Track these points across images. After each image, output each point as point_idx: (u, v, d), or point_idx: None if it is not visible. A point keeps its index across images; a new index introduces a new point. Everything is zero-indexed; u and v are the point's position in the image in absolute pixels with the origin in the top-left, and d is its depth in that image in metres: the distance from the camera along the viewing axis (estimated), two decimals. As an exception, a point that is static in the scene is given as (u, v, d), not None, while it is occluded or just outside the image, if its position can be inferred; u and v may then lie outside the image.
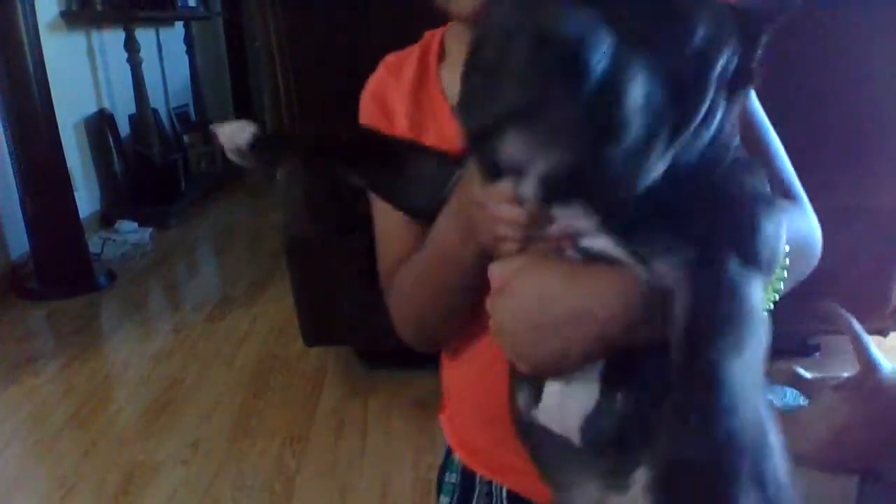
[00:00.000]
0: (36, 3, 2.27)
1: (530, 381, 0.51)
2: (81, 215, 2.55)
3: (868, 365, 1.37)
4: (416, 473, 1.41)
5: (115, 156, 3.29)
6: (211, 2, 4.85)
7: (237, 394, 1.74)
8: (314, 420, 1.61)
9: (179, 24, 4.21)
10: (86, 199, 3.02)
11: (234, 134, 0.58)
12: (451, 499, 0.77)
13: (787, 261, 0.49)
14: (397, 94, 0.68)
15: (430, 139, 0.64)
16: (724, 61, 0.41)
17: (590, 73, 0.34)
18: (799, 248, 0.52)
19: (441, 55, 0.70)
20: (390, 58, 0.73)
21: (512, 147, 0.38)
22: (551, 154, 0.37)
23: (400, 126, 0.67)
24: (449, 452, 0.78)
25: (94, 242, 2.76)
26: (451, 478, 0.78)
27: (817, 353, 1.75)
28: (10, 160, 2.31)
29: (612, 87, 0.35)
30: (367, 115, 0.70)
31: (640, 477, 0.46)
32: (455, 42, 0.68)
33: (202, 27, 4.62)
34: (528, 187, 0.40)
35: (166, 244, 3.02)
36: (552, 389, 0.49)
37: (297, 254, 1.62)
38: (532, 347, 0.47)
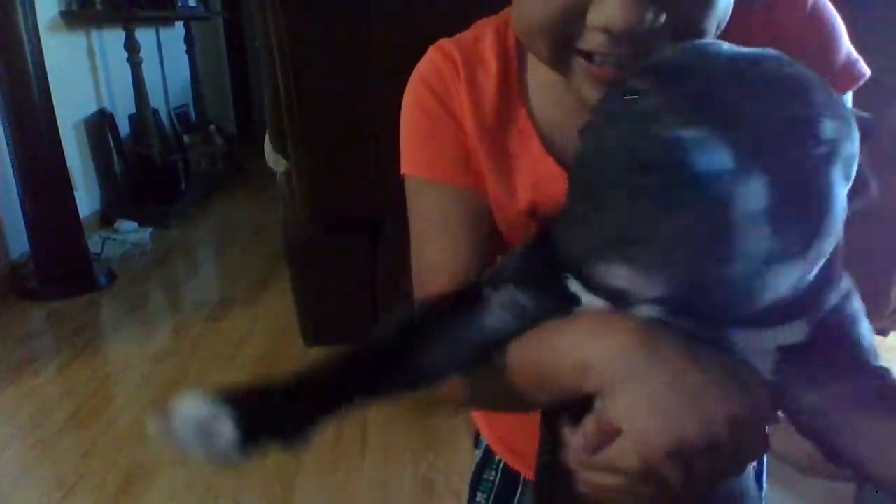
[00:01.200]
0: (36, 3, 2.26)
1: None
2: (81, 215, 2.55)
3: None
4: (416, 473, 1.41)
5: (115, 156, 3.29)
6: (211, 2, 4.85)
7: (237, 394, 1.74)
8: (314, 420, 1.61)
9: (179, 24, 4.20)
10: (86, 199, 3.02)
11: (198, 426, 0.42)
12: (489, 496, 0.75)
13: None
14: (467, 104, 0.58)
15: (520, 167, 0.57)
16: (848, 163, 0.39)
17: (703, 195, 0.32)
18: None
19: (520, 61, 0.58)
20: (449, 48, 0.61)
21: (622, 274, 0.36)
22: (664, 281, 0.35)
23: (471, 137, 0.58)
24: (487, 450, 0.76)
25: (94, 242, 2.76)
26: (490, 475, 0.76)
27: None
28: (10, 160, 2.31)
29: (726, 205, 0.33)
30: (426, 110, 0.60)
31: None
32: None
33: (202, 27, 4.62)
34: (644, 311, 0.38)
35: (166, 244, 3.03)
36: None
37: (297, 254, 1.62)
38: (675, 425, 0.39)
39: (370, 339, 0.50)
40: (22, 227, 2.39)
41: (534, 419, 0.54)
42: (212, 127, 4.23)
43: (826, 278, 0.40)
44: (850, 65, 0.59)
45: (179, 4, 3.92)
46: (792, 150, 0.35)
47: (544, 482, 0.53)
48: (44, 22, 2.55)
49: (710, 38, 0.45)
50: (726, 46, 0.40)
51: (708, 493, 0.41)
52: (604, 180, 0.35)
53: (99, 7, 3.12)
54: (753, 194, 0.33)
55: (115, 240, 2.91)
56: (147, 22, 3.70)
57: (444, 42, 0.62)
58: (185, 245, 3.08)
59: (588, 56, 0.47)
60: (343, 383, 0.49)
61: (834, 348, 0.42)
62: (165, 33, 4.06)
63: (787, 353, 0.40)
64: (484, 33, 0.60)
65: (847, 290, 0.44)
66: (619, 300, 0.40)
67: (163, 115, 3.88)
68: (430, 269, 0.63)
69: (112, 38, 3.27)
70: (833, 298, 0.42)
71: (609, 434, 0.40)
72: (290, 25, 1.35)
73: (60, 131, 2.39)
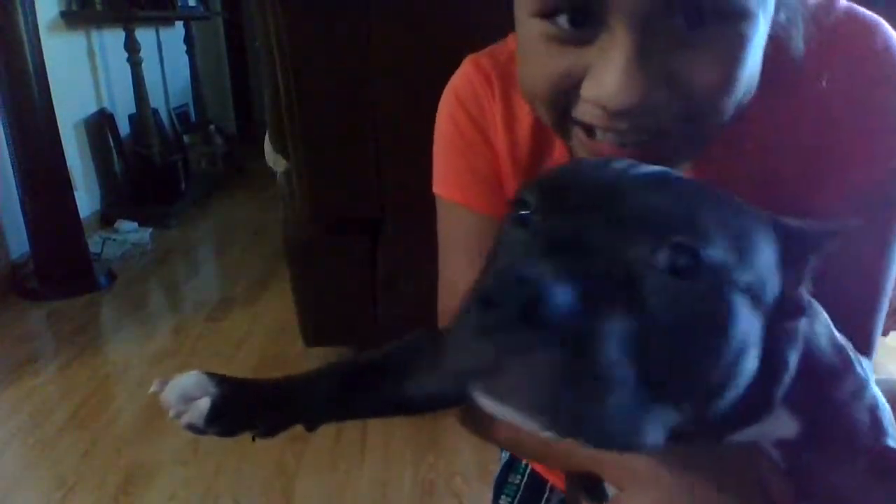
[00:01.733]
0: (36, 3, 2.26)
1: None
2: (81, 215, 2.55)
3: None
4: (416, 473, 1.41)
5: (115, 156, 3.29)
6: (211, 2, 4.85)
7: (237, 394, 1.74)
8: (314, 420, 1.61)
9: (179, 24, 4.20)
10: (86, 199, 3.02)
11: (181, 398, 0.49)
12: (513, 499, 0.74)
13: None
14: (502, 129, 0.56)
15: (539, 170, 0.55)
16: (753, 287, 0.34)
17: (547, 337, 0.29)
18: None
19: None
20: (486, 64, 0.57)
21: (485, 402, 0.33)
22: (528, 416, 0.31)
23: (504, 163, 0.56)
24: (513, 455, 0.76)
25: (94, 242, 2.76)
26: (516, 479, 0.75)
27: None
28: (10, 160, 2.31)
29: (571, 349, 0.29)
30: (461, 130, 0.57)
31: None
32: None
33: (202, 27, 4.62)
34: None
35: (166, 244, 3.02)
36: None
37: (297, 254, 1.62)
38: None
39: (367, 356, 0.51)
40: (22, 227, 2.39)
41: None
42: (212, 127, 4.23)
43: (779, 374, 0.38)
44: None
45: (179, 4, 3.92)
46: (656, 286, 0.32)
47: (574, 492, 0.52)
48: (44, 22, 2.55)
49: (726, 118, 0.41)
50: (619, 166, 0.36)
51: None
52: (462, 316, 0.33)
53: (99, 7, 3.12)
54: (605, 337, 0.30)
55: (115, 240, 2.91)
56: (147, 22, 3.70)
57: (480, 57, 0.58)
58: (185, 245, 3.08)
59: (587, 128, 0.43)
60: (330, 399, 0.52)
61: (829, 438, 0.41)
62: (165, 33, 4.06)
63: (786, 448, 0.40)
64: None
65: (843, 374, 0.42)
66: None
67: (163, 115, 3.88)
68: (448, 289, 0.62)
69: (112, 38, 3.27)
70: (835, 389, 0.42)
71: None
72: (290, 25, 1.35)
73: (60, 131, 2.39)
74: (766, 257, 0.35)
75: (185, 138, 4.01)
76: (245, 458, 1.47)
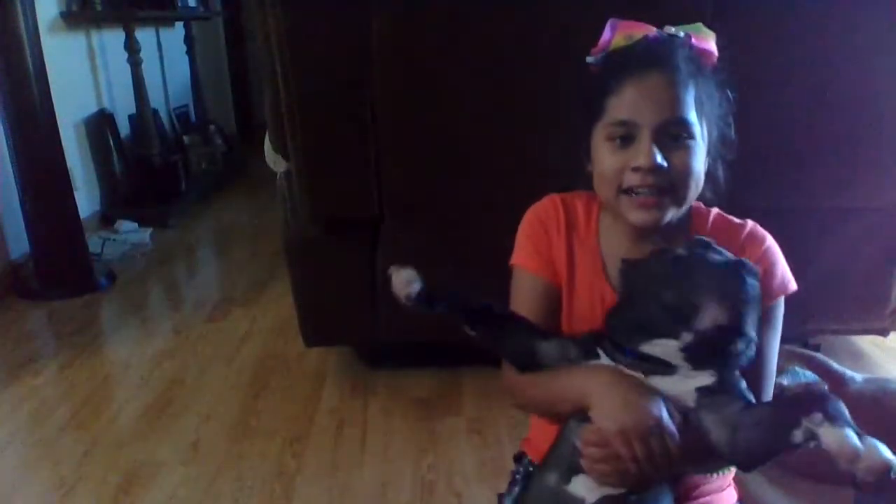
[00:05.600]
0: (36, 3, 2.26)
1: (568, 468, 0.73)
2: (81, 215, 2.55)
3: (836, 379, 1.39)
4: (416, 473, 1.41)
5: (115, 156, 3.29)
6: (211, 2, 4.85)
7: (237, 394, 1.74)
8: (314, 420, 1.61)
9: (179, 24, 4.20)
10: (86, 199, 3.02)
11: (406, 282, 0.77)
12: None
13: None
14: (562, 241, 0.90)
15: (579, 267, 0.89)
16: None
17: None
18: None
19: (599, 217, 0.90)
20: (559, 204, 0.91)
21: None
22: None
23: (558, 254, 0.89)
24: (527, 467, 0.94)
25: (94, 242, 2.76)
26: (514, 491, 0.93)
27: (819, 354, 1.75)
28: (10, 160, 2.31)
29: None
30: (535, 230, 0.91)
31: None
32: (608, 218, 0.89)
33: (202, 27, 4.62)
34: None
35: (166, 244, 3.03)
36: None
37: (297, 254, 1.62)
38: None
39: (495, 306, 0.83)
40: (22, 227, 2.39)
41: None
42: (212, 127, 4.23)
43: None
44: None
45: (179, 4, 3.92)
46: None
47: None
48: (44, 22, 2.56)
49: (688, 198, 0.80)
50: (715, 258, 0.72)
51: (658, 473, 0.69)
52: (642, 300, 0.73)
53: (99, 7, 3.12)
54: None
55: (115, 240, 2.91)
56: (147, 22, 3.70)
57: (557, 198, 0.92)
58: (185, 245, 3.08)
59: (629, 191, 0.79)
60: (478, 309, 0.81)
61: (732, 388, 0.70)
62: (165, 33, 4.06)
63: (704, 391, 0.70)
64: (580, 197, 0.91)
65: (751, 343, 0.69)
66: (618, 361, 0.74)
67: (163, 115, 3.88)
68: None
69: (112, 38, 3.27)
70: (737, 352, 0.69)
71: (597, 433, 0.71)
72: (290, 25, 1.35)
73: (60, 131, 2.39)
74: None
75: (185, 138, 4.00)
76: (245, 458, 1.47)
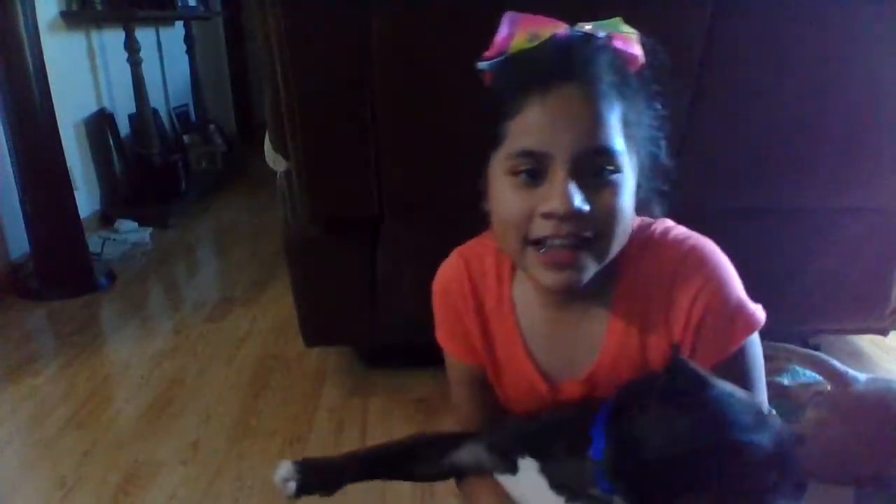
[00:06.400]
0: (36, 3, 2.26)
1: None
2: (81, 215, 2.55)
3: (838, 380, 1.38)
4: (416, 473, 1.41)
5: (115, 156, 3.29)
6: (211, 2, 4.85)
7: (237, 394, 1.74)
8: (314, 420, 1.61)
9: (179, 24, 4.20)
10: (86, 199, 3.02)
11: (282, 480, 0.75)
12: None
13: None
14: (472, 313, 0.80)
15: (499, 347, 0.79)
16: None
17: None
18: None
19: (511, 279, 0.78)
20: (463, 261, 0.81)
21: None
22: None
23: (474, 335, 0.80)
24: None
25: (94, 242, 2.76)
26: None
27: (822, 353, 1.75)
28: (10, 160, 2.31)
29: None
30: (444, 309, 0.83)
31: None
32: (520, 283, 0.77)
33: (202, 27, 4.61)
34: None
35: (166, 244, 3.03)
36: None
37: (297, 254, 1.62)
38: None
39: (390, 446, 0.84)
40: (22, 227, 2.39)
41: None
42: (212, 127, 4.23)
43: None
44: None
45: (179, 4, 3.92)
46: None
47: None
48: (44, 22, 2.56)
49: (614, 244, 0.64)
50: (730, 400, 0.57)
51: None
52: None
53: (99, 7, 3.12)
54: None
55: (115, 240, 2.91)
56: (147, 22, 3.70)
57: (461, 260, 0.81)
58: (185, 245, 3.08)
59: (538, 243, 0.63)
60: (367, 468, 0.84)
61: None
62: (165, 33, 4.06)
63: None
64: (489, 251, 0.79)
65: None
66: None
67: (163, 115, 3.88)
68: (455, 405, 0.92)
69: (112, 38, 3.27)
70: None
71: None
72: (290, 25, 1.35)
73: (60, 131, 2.39)
74: None
75: (185, 138, 4.00)
76: (245, 458, 1.47)
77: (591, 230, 0.61)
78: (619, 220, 0.63)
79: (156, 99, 3.60)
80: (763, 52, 1.34)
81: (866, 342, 1.92)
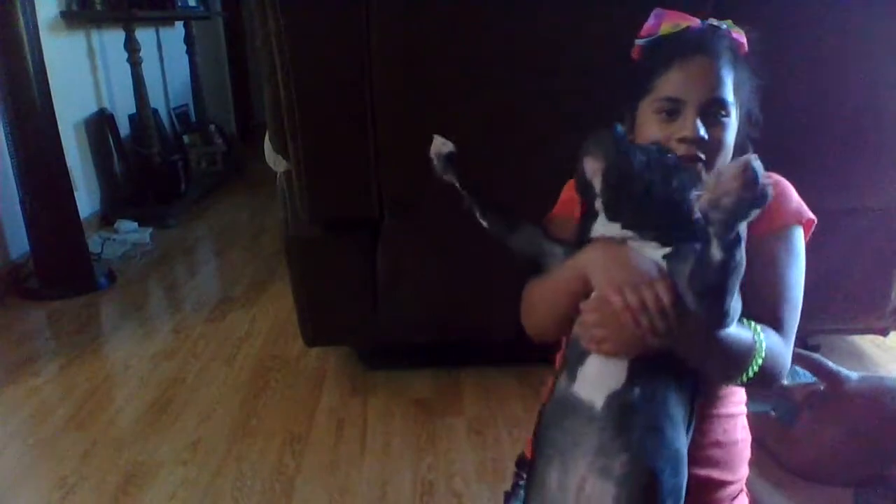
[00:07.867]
0: (36, 3, 2.26)
1: (575, 362, 0.78)
2: (81, 215, 2.55)
3: (832, 379, 1.38)
4: (416, 473, 1.41)
5: (115, 156, 3.30)
6: (211, 2, 4.85)
7: (237, 394, 1.74)
8: (314, 420, 1.61)
9: (179, 24, 4.20)
10: (86, 199, 3.02)
11: (439, 146, 0.88)
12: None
13: (760, 361, 0.77)
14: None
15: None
16: None
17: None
18: (772, 359, 0.78)
19: None
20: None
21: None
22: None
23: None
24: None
25: (94, 242, 2.76)
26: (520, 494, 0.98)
27: (818, 354, 1.75)
28: (10, 160, 2.31)
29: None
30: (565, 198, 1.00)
31: (620, 468, 0.70)
32: None
33: (202, 27, 4.62)
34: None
35: (166, 244, 3.03)
36: (594, 361, 0.76)
37: (297, 254, 1.62)
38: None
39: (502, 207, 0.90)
40: (22, 227, 2.39)
41: None
42: (212, 127, 4.23)
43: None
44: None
45: (179, 4, 3.92)
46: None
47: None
48: (44, 22, 2.56)
49: (719, 164, 0.85)
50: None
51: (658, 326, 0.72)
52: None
53: (99, 7, 3.12)
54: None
55: (115, 240, 2.92)
56: (147, 22, 3.70)
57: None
58: (185, 245, 3.08)
59: None
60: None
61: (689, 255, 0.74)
62: (165, 33, 4.07)
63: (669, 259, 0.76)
64: None
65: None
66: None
67: (163, 115, 3.88)
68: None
69: (112, 38, 3.27)
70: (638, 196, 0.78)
71: (595, 299, 0.78)
72: (290, 25, 1.35)
73: (60, 131, 2.39)
74: None
75: (185, 138, 4.01)
76: (245, 458, 1.47)
77: (707, 152, 0.85)
78: (724, 148, 0.87)
79: (156, 99, 3.60)
80: (763, 53, 1.34)
81: (866, 342, 1.92)
